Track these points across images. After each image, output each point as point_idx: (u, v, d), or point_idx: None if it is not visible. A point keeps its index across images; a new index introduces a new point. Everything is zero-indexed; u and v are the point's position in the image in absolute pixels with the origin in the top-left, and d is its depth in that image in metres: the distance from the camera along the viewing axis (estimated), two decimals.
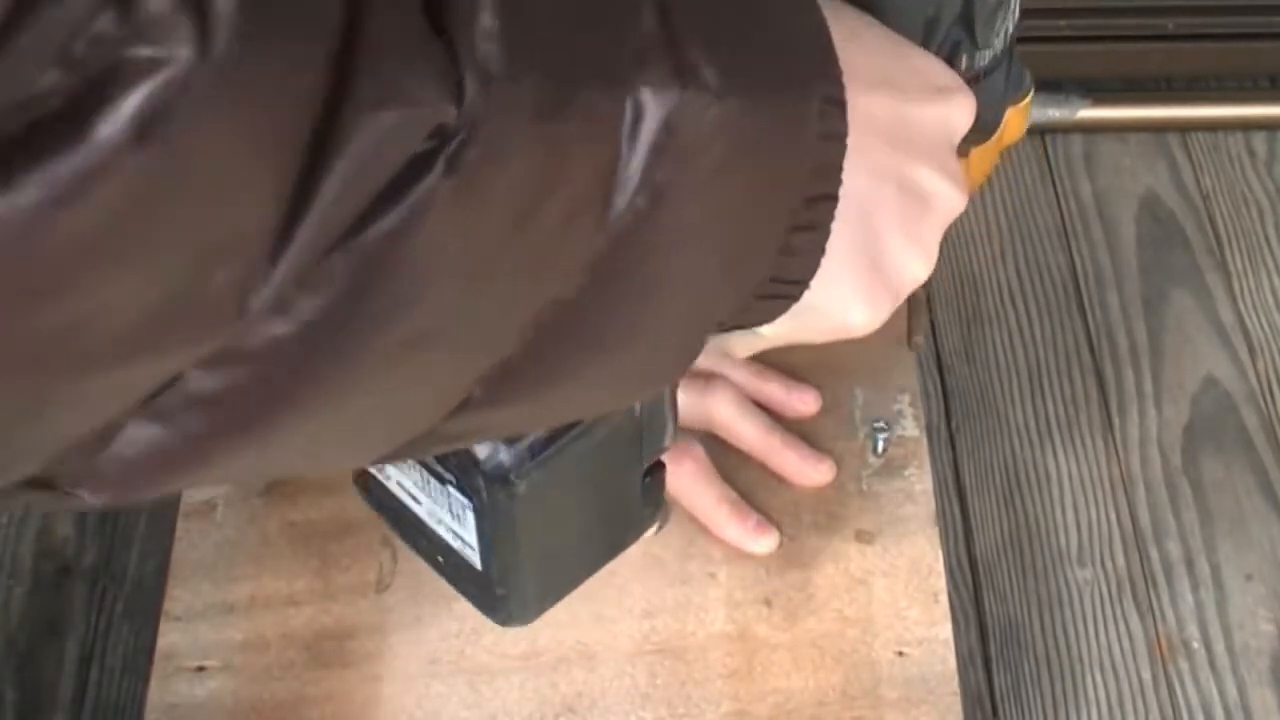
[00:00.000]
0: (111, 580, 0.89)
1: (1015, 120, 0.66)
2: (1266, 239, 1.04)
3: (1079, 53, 1.10)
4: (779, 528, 0.71)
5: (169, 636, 0.68)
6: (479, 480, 0.49)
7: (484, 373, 0.39)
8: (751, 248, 0.44)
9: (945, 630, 0.69)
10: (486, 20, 0.34)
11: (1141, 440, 0.93)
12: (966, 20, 0.58)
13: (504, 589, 0.53)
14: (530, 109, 0.35)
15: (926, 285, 0.76)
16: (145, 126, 0.28)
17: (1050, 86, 1.10)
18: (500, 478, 0.49)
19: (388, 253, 0.34)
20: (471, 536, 0.51)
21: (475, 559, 0.52)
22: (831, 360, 0.78)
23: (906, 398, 0.77)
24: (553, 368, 0.41)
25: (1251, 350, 0.97)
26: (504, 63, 0.34)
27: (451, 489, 0.51)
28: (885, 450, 0.74)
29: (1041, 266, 1.02)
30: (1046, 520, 0.89)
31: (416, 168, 0.33)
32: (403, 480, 0.53)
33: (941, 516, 0.81)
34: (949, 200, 0.52)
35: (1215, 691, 0.82)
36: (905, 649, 0.68)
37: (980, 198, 1.05)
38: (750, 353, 0.54)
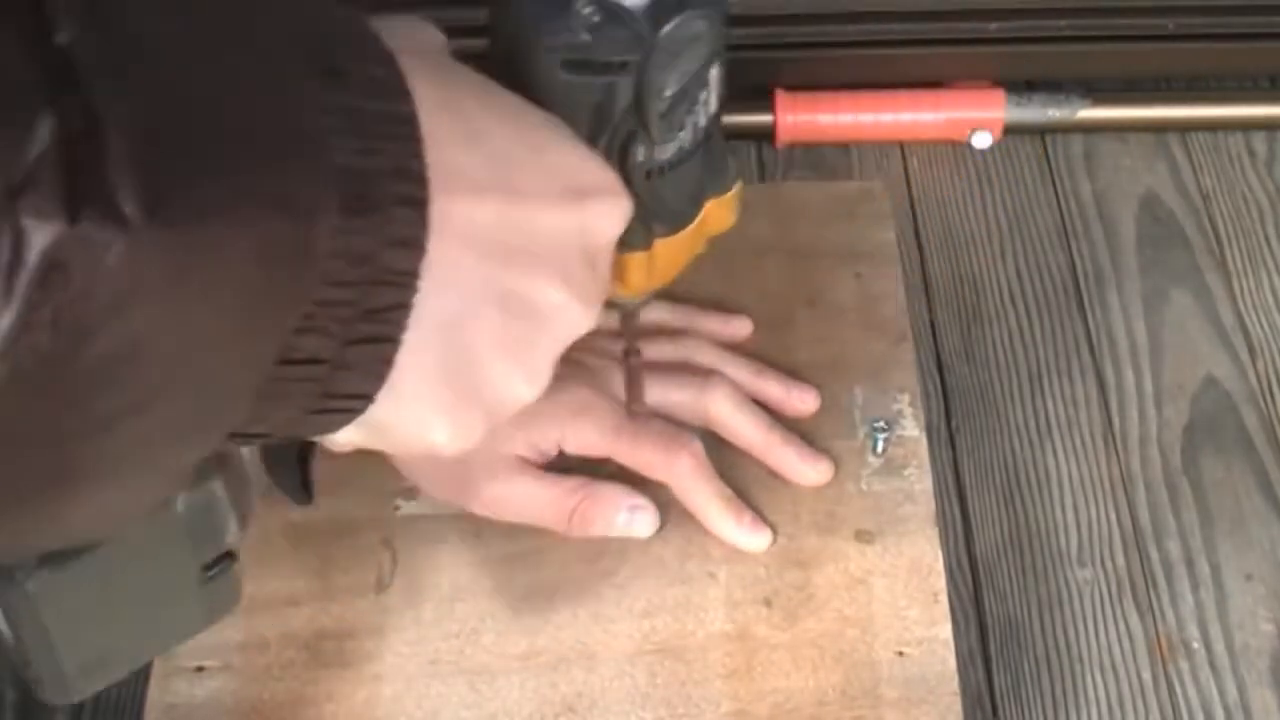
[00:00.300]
0: None
1: (718, 212, 0.63)
2: (1266, 239, 1.04)
3: (1079, 53, 1.10)
4: (778, 527, 0.71)
5: None
6: None
7: None
8: (229, 379, 0.39)
9: (945, 630, 0.69)
10: None
11: (1141, 440, 0.92)
12: (640, 111, 0.55)
13: (34, 671, 0.50)
14: None
15: (636, 355, 0.72)
16: None
17: (1050, 86, 1.10)
18: (6, 574, 0.46)
19: None
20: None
21: (7, 634, 0.50)
22: (831, 360, 0.78)
23: (906, 398, 0.77)
24: None
25: (1251, 350, 0.97)
26: None
27: None
28: (885, 450, 0.74)
29: (1041, 266, 1.02)
30: (1046, 520, 0.89)
31: None
32: None
33: (941, 516, 0.81)
34: (568, 317, 0.48)
35: (1215, 691, 0.82)
36: (905, 649, 0.68)
37: (980, 198, 1.04)
38: (344, 450, 0.49)
